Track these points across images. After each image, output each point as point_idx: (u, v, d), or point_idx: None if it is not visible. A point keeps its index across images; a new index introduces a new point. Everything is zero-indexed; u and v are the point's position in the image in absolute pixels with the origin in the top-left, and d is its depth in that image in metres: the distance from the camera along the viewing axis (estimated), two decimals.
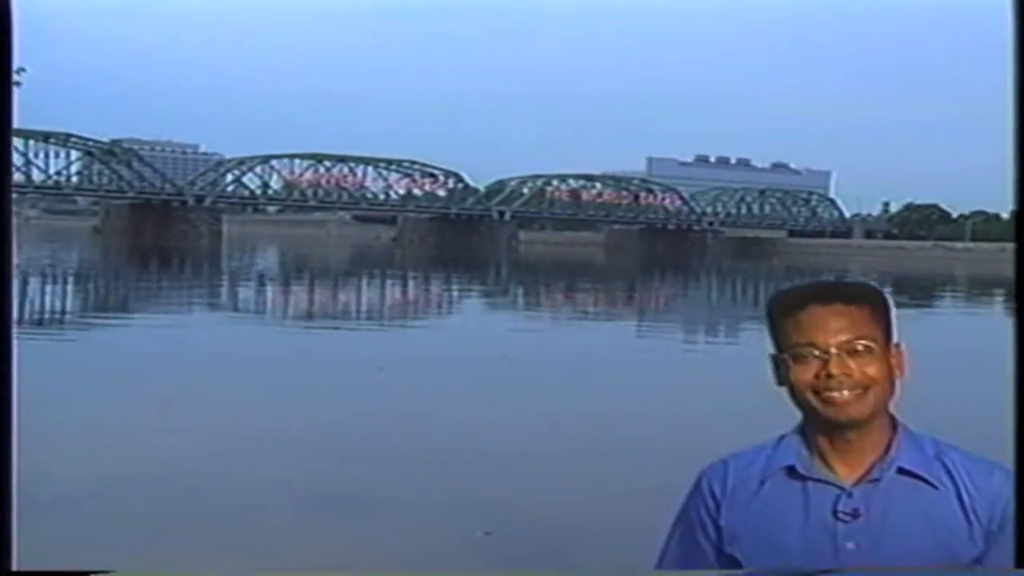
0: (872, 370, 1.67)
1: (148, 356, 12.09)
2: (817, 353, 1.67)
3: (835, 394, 1.66)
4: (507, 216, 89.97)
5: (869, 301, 1.72)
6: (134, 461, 6.18)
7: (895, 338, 1.73)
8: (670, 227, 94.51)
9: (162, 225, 76.91)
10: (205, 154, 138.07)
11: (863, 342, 1.67)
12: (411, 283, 35.65)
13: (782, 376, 1.71)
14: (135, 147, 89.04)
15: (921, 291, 33.37)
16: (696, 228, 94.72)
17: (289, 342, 15.50)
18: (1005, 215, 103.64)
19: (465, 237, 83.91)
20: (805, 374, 1.68)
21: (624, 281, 39.76)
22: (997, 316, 27.89)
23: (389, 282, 36.17)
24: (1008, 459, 1.76)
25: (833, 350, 1.66)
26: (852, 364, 1.66)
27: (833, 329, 1.67)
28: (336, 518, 5.51)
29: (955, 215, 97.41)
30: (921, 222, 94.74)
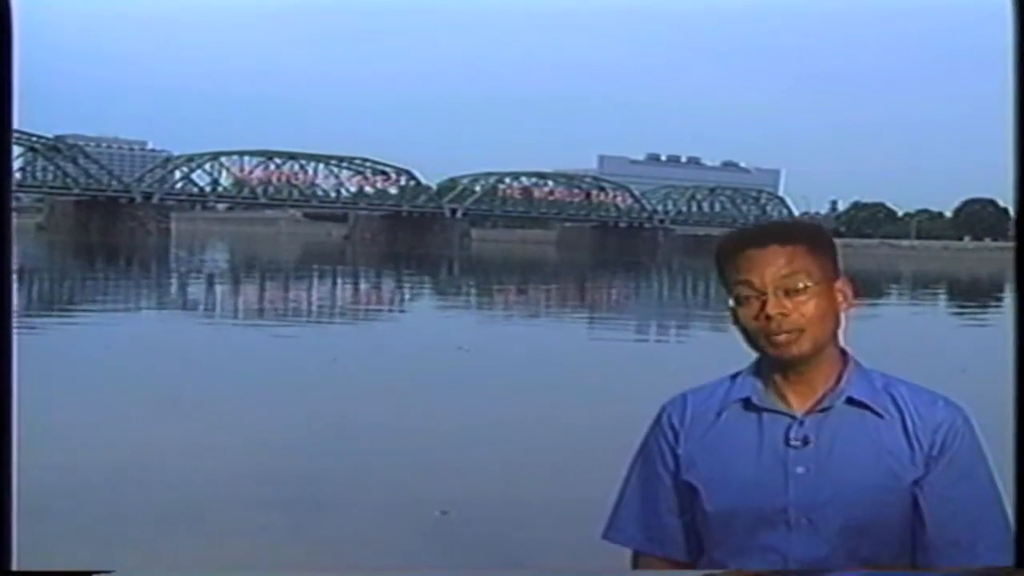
0: (810, 308, 1.71)
1: (90, 354, 11.90)
2: (755, 294, 1.72)
3: (775, 335, 1.71)
4: (459, 214, 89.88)
5: (805, 240, 1.75)
6: (76, 463, 6.08)
7: (840, 273, 1.77)
8: (621, 225, 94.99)
9: (109, 222, 75.78)
10: (153, 151, 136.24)
11: (800, 281, 1.71)
12: (363, 281, 35.46)
13: (733, 319, 1.77)
14: (80, 143, 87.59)
15: (871, 287, 33.89)
16: (647, 226, 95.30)
17: (238, 339, 15.36)
18: (948, 213, 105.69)
19: (417, 235, 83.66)
20: (746, 315, 1.73)
21: (576, 278, 39.88)
22: (945, 311, 28.38)
23: (341, 280, 35.96)
24: (1009, 461, 1.79)
25: (769, 290, 1.71)
26: (788, 303, 1.70)
27: (769, 270, 1.71)
28: (286, 517, 5.47)
29: (900, 214, 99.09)
30: (868, 220, 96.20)
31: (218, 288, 29.02)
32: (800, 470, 1.72)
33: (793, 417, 1.74)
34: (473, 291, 32.48)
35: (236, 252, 58.77)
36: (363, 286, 32.85)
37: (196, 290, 28.09)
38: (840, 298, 1.75)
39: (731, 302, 1.75)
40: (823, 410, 1.74)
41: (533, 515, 5.46)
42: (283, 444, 7.08)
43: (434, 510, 5.47)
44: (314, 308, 22.99)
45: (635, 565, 1.88)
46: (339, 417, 8.16)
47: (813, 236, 1.77)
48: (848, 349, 1.78)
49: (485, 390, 9.90)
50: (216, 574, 3.50)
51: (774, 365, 1.76)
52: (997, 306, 27.26)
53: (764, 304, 1.71)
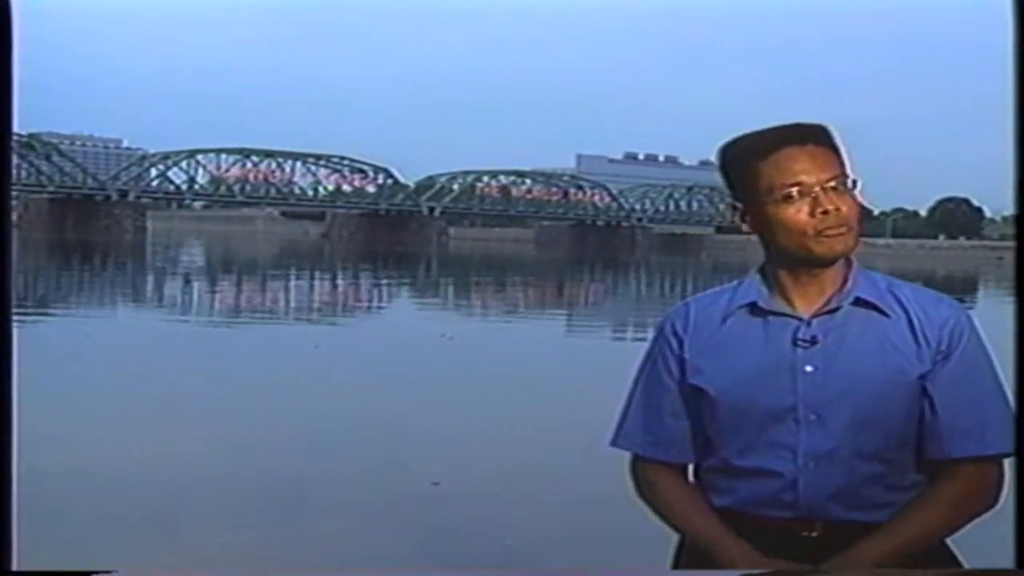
0: (851, 204, 1.75)
1: (65, 353, 11.82)
2: (805, 190, 1.72)
3: (829, 231, 1.72)
4: (437, 212, 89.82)
5: (830, 141, 1.77)
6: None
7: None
8: (599, 223, 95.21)
9: (84, 220, 75.29)
10: (128, 149, 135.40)
11: (841, 179, 1.74)
12: (340, 279, 35.37)
13: (756, 222, 1.77)
14: (54, 141, 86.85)
15: None
16: (625, 224, 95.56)
17: (217, 338, 15.29)
18: (923, 212, 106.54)
19: (395, 233, 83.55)
20: (798, 215, 1.73)
21: (554, 277, 39.94)
22: None
23: (318, 278, 35.85)
24: (1009, 461, 1.81)
25: (818, 188, 1.72)
26: (837, 199, 1.73)
27: (816, 168, 1.73)
28: (270, 515, 5.45)
29: (876, 212, 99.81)
30: None
31: (195, 286, 28.88)
32: (809, 368, 1.73)
33: (800, 319, 1.76)
34: (451, 289, 32.46)
35: (213, 250, 58.48)
36: (341, 284, 32.77)
37: (173, 288, 27.94)
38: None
39: (765, 203, 1.73)
40: (831, 311, 1.76)
41: (519, 512, 5.48)
42: (263, 441, 7.06)
43: (416, 511, 5.47)
44: (292, 306, 22.91)
45: (634, 469, 1.89)
46: (320, 414, 8.14)
47: (833, 139, 1.78)
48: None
49: (465, 387, 9.90)
50: (215, 574, 3.49)
51: (781, 269, 1.78)
52: (971, 303, 27.51)
53: (817, 201, 1.71)
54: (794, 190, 1.72)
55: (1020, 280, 1.89)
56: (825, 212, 1.71)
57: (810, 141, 1.74)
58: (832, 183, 1.73)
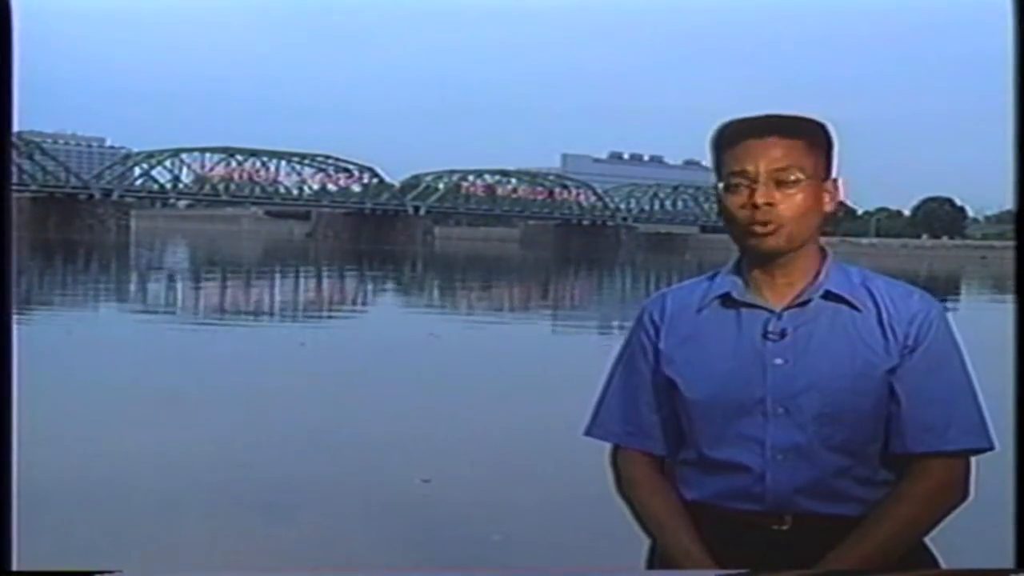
0: (796, 201, 1.71)
1: (48, 353, 11.77)
2: (746, 183, 1.72)
3: (757, 225, 1.71)
4: (422, 211, 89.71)
5: (805, 134, 1.74)
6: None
7: (832, 173, 1.77)
8: (584, 222, 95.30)
9: (68, 219, 74.87)
10: (112, 147, 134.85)
11: (793, 173, 1.71)
12: (326, 279, 35.29)
13: (719, 208, 1.78)
14: (36, 139, 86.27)
15: None
16: (610, 223, 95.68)
17: (201, 338, 15.25)
18: (907, 212, 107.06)
19: (380, 232, 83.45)
20: (735, 203, 1.73)
21: (539, 276, 39.95)
22: None
23: (304, 277, 35.76)
24: (1009, 461, 1.81)
25: (761, 179, 1.71)
26: (777, 194, 1.71)
27: (764, 159, 1.71)
28: (259, 517, 5.45)
29: (860, 211, 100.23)
30: (828, 218, 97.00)
31: (179, 286, 28.76)
32: (778, 361, 1.73)
33: (771, 311, 1.76)
34: (437, 288, 32.43)
35: (197, 250, 58.25)
36: (326, 284, 32.70)
37: (157, 288, 27.82)
38: (827, 198, 1.76)
39: (720, 187, 1.75)
40: (801, 304, 1.75)
41: (507, 508, 5.49)
42: (250, 439, 7.05)
43: (405, 507, 5.47)
44: (277, 305, 22.84)
45: (615, 460, 1.89)
46: (306, 412, 8.13)
47: (814, 132, 1.76)
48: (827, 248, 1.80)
49: (452, 384, 9.90)
50: (216, 574, 3.47)
51: (754, 261, 1.77)
52: (954, 302, 27.65)
53: (753, 192, 1.71)
54: (736, 179, 1.72)
55: (1020, 280, 1.88)
56: (755, 206, 1.70)
57: (775, 133, 1.72)
58: (778, 175, 1.70)
